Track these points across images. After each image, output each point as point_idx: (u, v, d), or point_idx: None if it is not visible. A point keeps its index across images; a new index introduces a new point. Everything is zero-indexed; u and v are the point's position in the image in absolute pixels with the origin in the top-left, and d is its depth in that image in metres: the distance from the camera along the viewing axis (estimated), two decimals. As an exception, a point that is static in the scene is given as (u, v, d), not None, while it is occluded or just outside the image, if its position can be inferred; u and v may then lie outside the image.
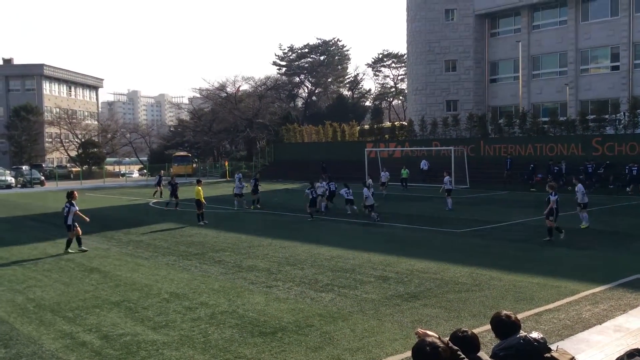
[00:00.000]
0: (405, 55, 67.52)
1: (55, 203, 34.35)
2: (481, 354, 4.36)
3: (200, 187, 23.32)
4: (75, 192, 17.78)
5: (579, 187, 18.76)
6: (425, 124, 50.54)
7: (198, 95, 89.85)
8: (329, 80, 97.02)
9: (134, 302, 10.97)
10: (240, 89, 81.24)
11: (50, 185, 55.84)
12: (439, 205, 26.68)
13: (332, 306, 10.34)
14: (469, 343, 4.32)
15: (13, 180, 56.13)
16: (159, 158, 77.72)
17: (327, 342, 8.44)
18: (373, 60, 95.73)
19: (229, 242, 17.97)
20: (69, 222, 16.78)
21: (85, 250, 16.93)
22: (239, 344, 8.43)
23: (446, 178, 25.95)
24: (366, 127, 63.81)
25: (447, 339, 4.17)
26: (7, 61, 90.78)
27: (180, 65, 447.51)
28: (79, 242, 17.11)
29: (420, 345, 3.73)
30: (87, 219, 17.51)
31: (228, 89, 79.50)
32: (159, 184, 36.50)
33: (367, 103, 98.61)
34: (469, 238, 17.91)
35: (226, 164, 66.27)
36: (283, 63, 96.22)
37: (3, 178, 55.24)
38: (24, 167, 65.00)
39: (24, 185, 55.45)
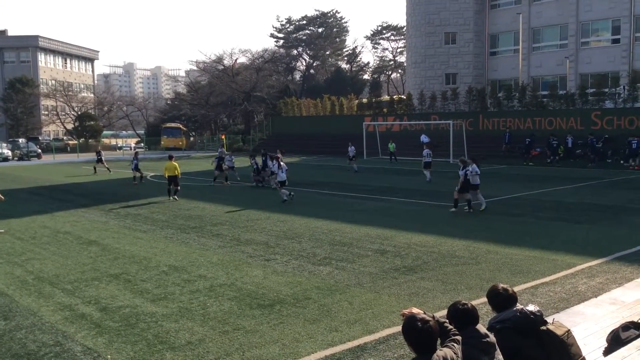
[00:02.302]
0: (405, 28, 66.85)
1: (52, 176, 34.30)
2: (479, 326, 4.39)
3: (175, 163, 22.40)
4: None
5: (474, 167, 17.53)
6: (424, 98, 50.29)
7: (195, 68, 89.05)
8: (327, 53, 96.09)
9: (132, 274, 11.02)
10: (238, 61, 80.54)
11: (47, 158, 55.66)
12: (435, 178, 26.70)
13: (329, 279, 10.40)
14: (469, 315, 4.36)
15: (10, 153, 55.95)
16: (155, 131, 77.27)
17: (324, 314, 8.51)
18: (372, 33, 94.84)
19: (227, 216, 18.00)
20: None
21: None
22: (238, 316, 8.49)
23: (425, 151, 26.90)
24: (364, 100, 63.43)
25: (435, 313, 4.19)
26: (2, 32, 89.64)
27: (176, 37, 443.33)
28: None
29: (411, 322, 3.74)
30: (3, 198, 16.60)
31: (225, 62, 78.80)
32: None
33: (366, 76, 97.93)
34: (466, 212, 17.94)
35: (223, 137, 65.97)
36: (281, 35, 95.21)
37: (1, 151, 55.07)
38: (20, 140, 64.65)
39: (20, 158, 55.29)
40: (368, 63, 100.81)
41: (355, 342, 7.42)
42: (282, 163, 21.71)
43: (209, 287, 10.07)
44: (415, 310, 4.00)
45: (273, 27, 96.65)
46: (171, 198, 22.04)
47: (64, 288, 10.16)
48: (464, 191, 17.67)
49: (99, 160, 36.48)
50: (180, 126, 73.24)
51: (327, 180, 28.76)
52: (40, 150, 58.47)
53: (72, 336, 7.81)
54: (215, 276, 10.77)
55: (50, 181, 31.30)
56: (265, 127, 66.60)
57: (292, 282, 10.23)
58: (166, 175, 22.33)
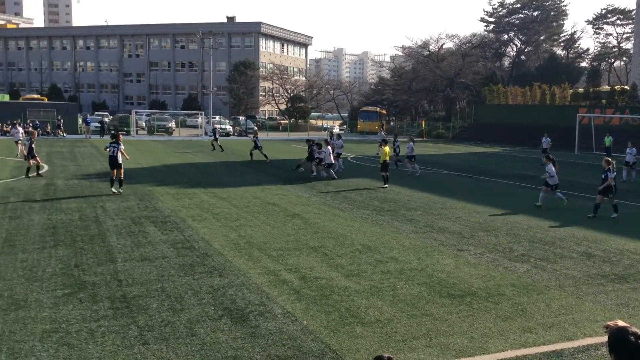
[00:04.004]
0: (634, 11, 59.64)
1: (266, 152, 37.37)
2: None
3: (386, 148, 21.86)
4: (120, 135, 19.17)
5: (549, 167, 17.55)
6: (652, 89, 44.61)
7: (400, 54, 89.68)
8: (541, 38, 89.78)
9: (329, 249, 11.65)
10: (444, 47, 79.21)
11: (261, 136, 60.68)
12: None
13: (526, 277, 9.89)
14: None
15: (231, 128, 62.47)
16: (357, 114, 79.71)
17: (518, 313, 8.14)
18: (594, 17, 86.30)
19: (421, 202, 18.02)
20: (120, 161, 17.99)
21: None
22: (427, 302, 8.52)
23: (628, 149, 25.83)
24: (580, 90, 58.33)
25: None
26: (231, 19, 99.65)
27: (385, 23, 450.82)
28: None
29: (621, 335, 3.40)
30: (128, 157, 19.73)
31: (431, 47, 78.01)
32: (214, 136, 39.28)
33: (584, 64, 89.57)
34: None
35: (423, 123, 65.67)
36: (491, 19, 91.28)
37: (223, 126, 61.77)
38: (240, 118, 71.70)
39: (239, 134, 61.24)
40: (587, 49, 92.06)
41: (551, 347, 6.99)
42: (329, 147, 23.37)
43: (399, 269, 10.24)
44: (620, 322, 3.64)
45: (484, 10, 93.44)
46: (386, 186, 21.15)
47: (270, 254, 11.13)
48: (606, 194, 15.96)
49: (216, 139, 38.70)
50: (378, 110, 72.08)
51: (530, 173, 27.13)
52: (256, 128, 64.11)
53: (274, 299, 8.55)
54: (406, 260, 10.91)
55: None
56: (467, 115, 64.84)
57: (485, 276, 9.94)
58: (382, 160, 21.55)
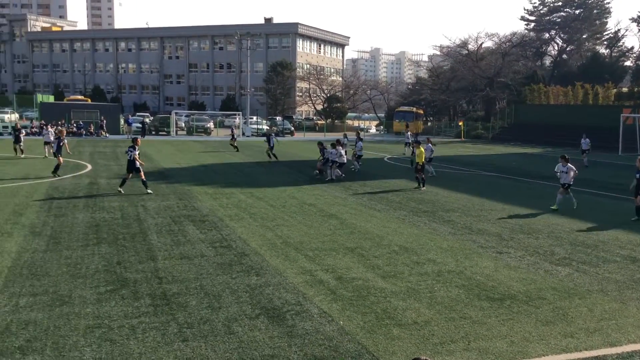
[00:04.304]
0: (685, 6, 57.67)
1: (303, 152, 37.57)
2: None
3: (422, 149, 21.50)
4: (139, 139, 19.24)
5: (569, 166, 17.02)
6: (702, 88, 43.03)
7: (438, 53, 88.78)
8: (584, 36, 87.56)
9: (366, 250, 11.62)
10: (483, 45, 78.06)
11: (298, 136, 61.13)
12: None
13: (568, 281, 9.68)
14: None
15: (268, 128, 62.94)
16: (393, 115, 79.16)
17: (560, 318, 7.97)
18: (639, 14, 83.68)
19: (459, 203, 17.81)
20: (137, 165, 18.29)
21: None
22: (465, 305, 8.42)
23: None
24: (624, 90, 56.68)
25: None
26: (268, 20, 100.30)
27: (422, 22, 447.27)
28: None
29: None
30: (143, 163, 19.40)
31: (470, 46, 76.96)
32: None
33: (628, 63, 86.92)
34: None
35: (461, 123, 64.83)
36: (532, 18, 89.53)
37: (260, 127, 62.28)
38: (277, 118, 72.18)
39: (276, 135, 61.65)
40: (632, 48, 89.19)
41: (593, 352, 6.83)
42: (340, 148, 23.17)
43: (437, 271, 10.14)
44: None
45: (524, 9, 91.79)
46: (423, 188, 20.78)
47: (306, 254, 11.17)
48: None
49: (233, 138, 38.63)
50: (414, 110, 70.85)
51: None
52: (293, 128, 64.46)
53: (310, 298, 8.58)
54: (444, 262, 10.80)
55: (300, 157, 34.36)
56: (507, 115, 63.76)
57: (526, 279, 9.76)
58: (420, 162, 20.99)
